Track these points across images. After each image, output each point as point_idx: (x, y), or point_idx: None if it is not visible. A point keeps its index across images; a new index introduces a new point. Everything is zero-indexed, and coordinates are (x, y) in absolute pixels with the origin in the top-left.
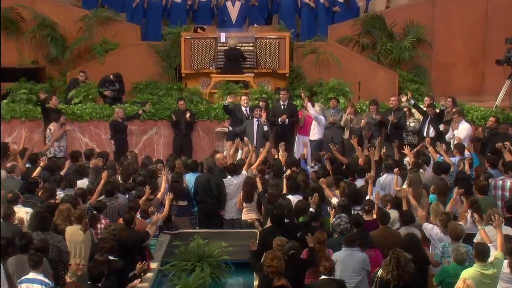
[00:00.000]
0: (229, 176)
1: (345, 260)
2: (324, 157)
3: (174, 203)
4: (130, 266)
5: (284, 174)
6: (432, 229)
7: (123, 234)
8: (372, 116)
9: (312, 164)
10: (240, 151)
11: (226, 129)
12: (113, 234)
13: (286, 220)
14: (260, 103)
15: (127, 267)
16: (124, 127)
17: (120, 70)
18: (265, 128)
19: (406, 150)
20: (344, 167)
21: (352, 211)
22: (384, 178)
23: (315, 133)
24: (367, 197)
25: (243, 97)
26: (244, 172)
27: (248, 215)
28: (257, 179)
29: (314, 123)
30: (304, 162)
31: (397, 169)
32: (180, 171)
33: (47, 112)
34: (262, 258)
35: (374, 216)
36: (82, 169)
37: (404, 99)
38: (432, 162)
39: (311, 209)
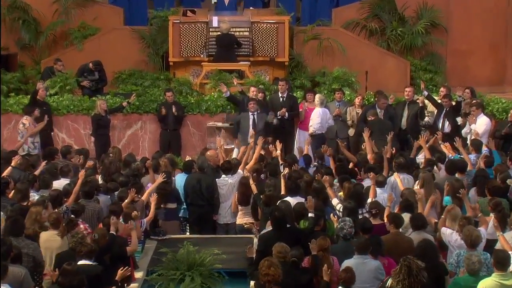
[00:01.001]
0: (223, 176)
1: (357, 269)
2: (326, 154)
3: (162, 205)
4: (111, 276)
5: (282, 174)
6: (451, 235)
7: (104, 240)
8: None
9: (315, 163)
10: (236, 150)
11: (219, 124)
12: (80, 243)
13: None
14: (259, 94)
15: (107, 277)
16: (108, 121)
17: (101, 58)
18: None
19: (422, 141)
20: (353, 166)
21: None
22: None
23: (311, 125)
24: (369, 199)
25: (252, 88)
26: (240, 171)
27: (243, 219)
28: (250, 181)
29: (314, 114)
30: (302, 158)
31: (395, 173)
32: (168, 170)
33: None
34: (259, 266)
35: (383, 220)
36: (58, 168)
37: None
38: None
39: (310, 214)
